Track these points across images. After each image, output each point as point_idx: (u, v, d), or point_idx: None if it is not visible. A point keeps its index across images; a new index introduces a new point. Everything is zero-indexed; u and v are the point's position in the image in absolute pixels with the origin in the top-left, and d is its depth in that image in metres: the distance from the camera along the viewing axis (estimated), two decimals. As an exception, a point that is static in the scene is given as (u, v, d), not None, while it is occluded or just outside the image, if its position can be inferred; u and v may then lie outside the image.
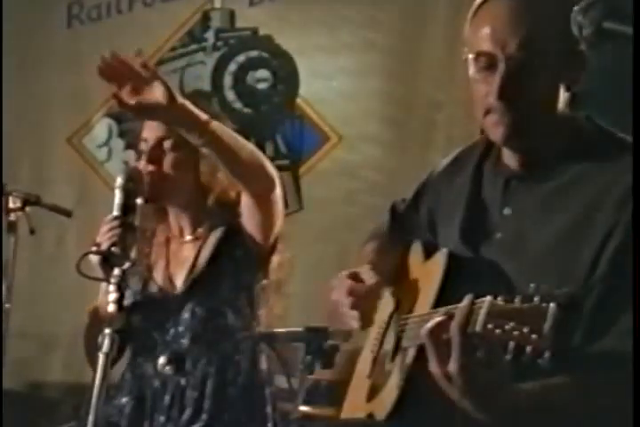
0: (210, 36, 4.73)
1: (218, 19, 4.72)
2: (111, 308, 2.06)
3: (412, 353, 1.79)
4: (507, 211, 1.83)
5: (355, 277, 1.96)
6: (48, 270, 4.65)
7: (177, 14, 4.76)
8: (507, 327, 1.46)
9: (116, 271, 2.10)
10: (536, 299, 1.47)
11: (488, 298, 1.51)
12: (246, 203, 2.53)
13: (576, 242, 1.70)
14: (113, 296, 2.07)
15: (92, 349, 2.20)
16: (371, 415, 1.88)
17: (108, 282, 2.10)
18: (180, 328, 2.58)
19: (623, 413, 1.56)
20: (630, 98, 1.60)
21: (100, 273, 2.21)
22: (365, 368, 2.06)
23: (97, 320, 2.48)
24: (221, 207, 2.61)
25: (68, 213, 3.47)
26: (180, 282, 2.62)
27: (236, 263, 2.59)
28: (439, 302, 1.77)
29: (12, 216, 3.28)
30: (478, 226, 1.87)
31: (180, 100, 2.27)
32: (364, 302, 1.93)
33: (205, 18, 4.73)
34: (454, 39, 4.14)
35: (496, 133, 1.79)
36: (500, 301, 1.50)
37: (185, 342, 2.57)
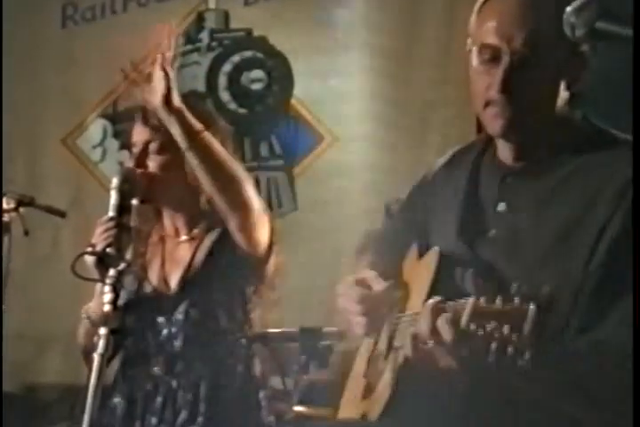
0: (204, 36, 4.72)
1: (212, 19, 4.72)
2: (106, 308, 2.07)
3: (403, 352, 1.80)
4: (501, 207, 1.84)
5: (363, 283, 1.97)
6: (43, 272, 4.63)
7: (171, 15, 4.75)
8: (488, 327, 1.48)
9: (112, 272, 2.10)
10: (516, 299, 1.49)
11: (471, 298, 1.53)
12: (225, 216, 2.54)
13: (571, 238, 1.72)
14: (108, 297, 2.08)
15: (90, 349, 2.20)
16: (364, 415, 1.88)
17: (104, 283, 2.10)
18: (174, 329, 2.58)
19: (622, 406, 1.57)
20: (628, 98, 1.61)
21: (95, 274, 2.21)
22: (361, 368, 2.06)
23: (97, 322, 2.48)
24: (215, 209, 2.61)
25: (62, 214, 3.45)
26: (174, 283, 2.62)
27: (231, 266, 2.58)
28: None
29: (6, 217, 3.27)
30: (474, 223, 1.87)
31: (177, 104, 2.33)
32: (374, 310, 1.94)
33: (200, 18, 4.72)
34: (449, 39, 4.16)
35: (494, 126, 1.80)
36: (482, 301, 1.52)
37: (178, 343, 2.57)
